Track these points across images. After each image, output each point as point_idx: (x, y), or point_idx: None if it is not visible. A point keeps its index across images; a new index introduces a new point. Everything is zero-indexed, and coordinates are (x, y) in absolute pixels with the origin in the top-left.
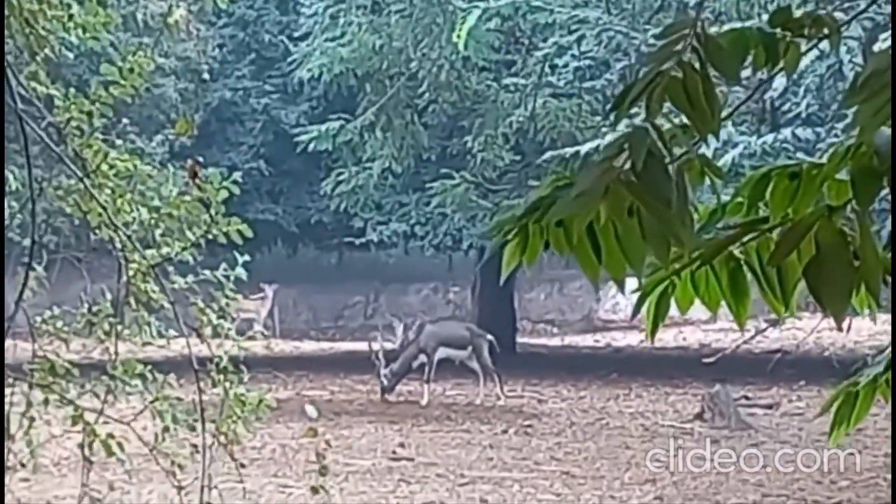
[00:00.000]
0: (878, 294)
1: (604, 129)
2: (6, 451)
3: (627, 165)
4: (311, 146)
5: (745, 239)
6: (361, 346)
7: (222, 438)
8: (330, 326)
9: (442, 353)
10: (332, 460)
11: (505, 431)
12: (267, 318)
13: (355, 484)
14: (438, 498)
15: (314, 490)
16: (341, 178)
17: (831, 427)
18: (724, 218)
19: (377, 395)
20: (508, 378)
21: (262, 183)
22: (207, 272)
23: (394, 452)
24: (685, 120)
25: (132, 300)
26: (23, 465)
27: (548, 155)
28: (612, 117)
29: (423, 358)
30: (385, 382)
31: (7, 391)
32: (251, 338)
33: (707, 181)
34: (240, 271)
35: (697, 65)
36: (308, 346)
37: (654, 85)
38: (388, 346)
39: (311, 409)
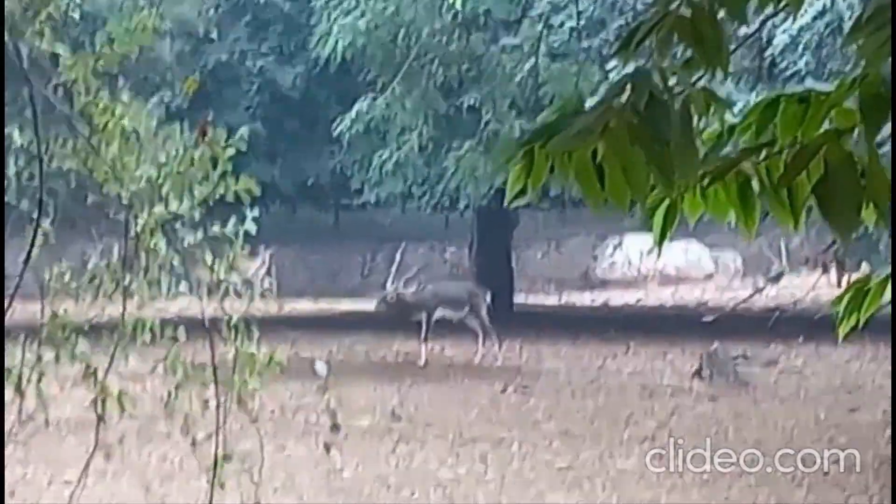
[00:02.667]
0: (886, 211)
1: (601, 89)
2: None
3: (629, 106)
4: (348, 133)
5: (756, 159)
6: (358, 305)
7: (235, 395)
8: (328, 286)
9: (440, 312)
10: (326, 421)
11: (503, 390)
12: (265, 279)
13: (354, 444)
14: (437, 457)
15: (326, 447)
16: (384, 156)
17: (839, 320)
18: (731, 140)
19: (375, 355)
20: (506, 337)
21: (259, 144)
22: (216, 228)
23: (392, 412)
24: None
25: (142, 256)
26: (31, 419)
27: (545, 113)
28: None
29: (421, 316)
30: (386, 296)
31: (17, 351)
32: (262, 295)
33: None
34: (250, 226)
35: (706, 7)
36: (305, 306)
37: (661, 24)
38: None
39: (320, 366)
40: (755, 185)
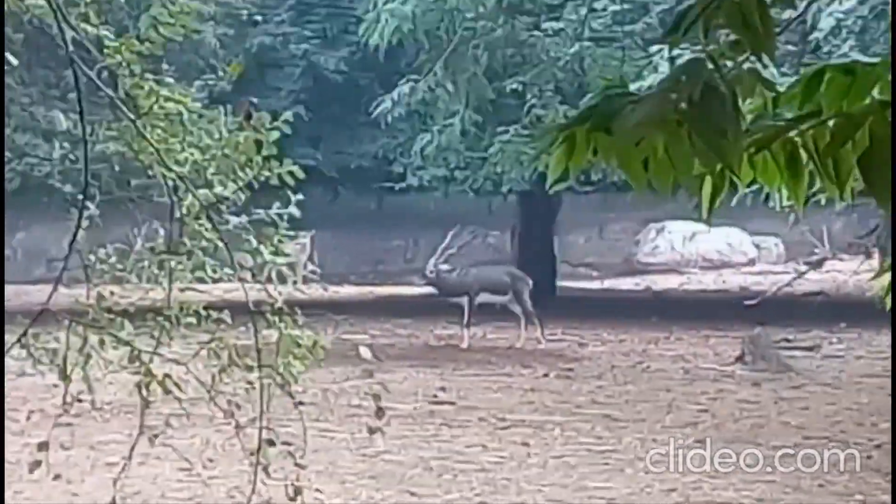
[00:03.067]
0: None
1: (645, 73)
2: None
3: (685, 96)
4: (389, 115)
5: (802, 127)
6: (401, 290)
7: (278, 379)
8: (369, 271)
9: (482, 297)
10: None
11: (545, 375)
12: (307, 263)
13: (397, 428)
14: (480, 441)
15: (371, 430)
16: (427, 141)
17: (882, 299)
18: (775, 110)
19: (417, 339)
20: (549, 322)
21: (302, 128)
22: (261, 211)
23: (435, 396)
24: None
25: (186, 239)
26: (79, 400)
27: (588, 98)
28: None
29: (463, 300)
30: (428, 274)
31: (61, 335)
32: (305, 279)
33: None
34: (294, 210)
35: None
36: (348, 290)
37: (709, 9)
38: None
39: (365, 351)
40: (803, 154)
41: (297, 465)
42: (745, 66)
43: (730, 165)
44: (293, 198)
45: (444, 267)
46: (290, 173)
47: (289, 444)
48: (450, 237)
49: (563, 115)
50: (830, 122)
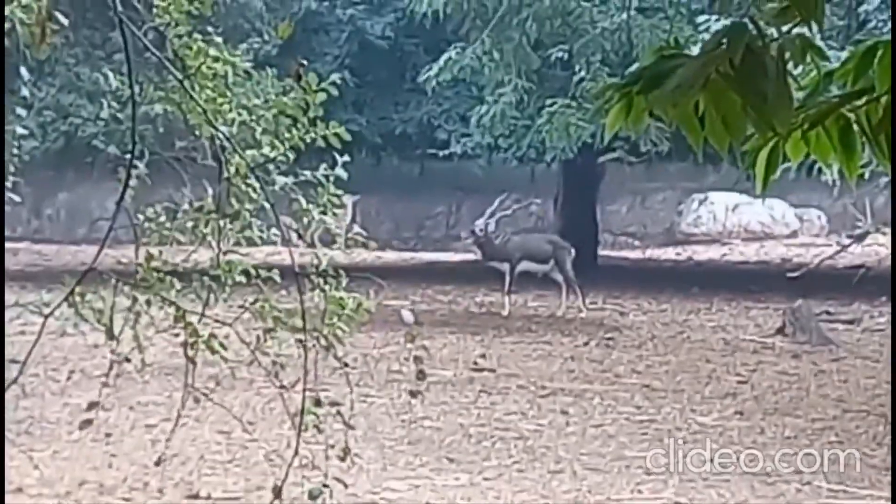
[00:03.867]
0: None
1: (692, 44)
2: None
3: (727, 59)
4: (434, 81)
5: (856, 103)
6: (442, 256)
7: (322, 342)
8: (411, 237)
9: (524, 265)
10: (413, 371)
11: (586, 344)
12: (350, 226)
13: (436, 394)
14: (519, 409)
15: (412, 394)
16: (482, 110)
17: None
18: (829, 86)
19: (459, 306)
20: (590, 290)
21: (347, 93)
22: (307, 173)
23: (475, 363)
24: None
25: (233, 201)
26: (128, 360)
27: (634, 67)
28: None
29: (504, 267)
30: (476, 231)
31: (109, 294)
32: (348, 243)
33: None
34: (340, 172)
35: None
36: (390, 256)
37: None
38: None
39: (407, 315)
40: (856, 129)
41: (345, 424)
42: (794, 31)
43: (773, 129)
44: (339, 160)
45: (492, 228)
46: (336, 135)
47: (336, 403)
48: (497, 202)
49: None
50: (883, 99)
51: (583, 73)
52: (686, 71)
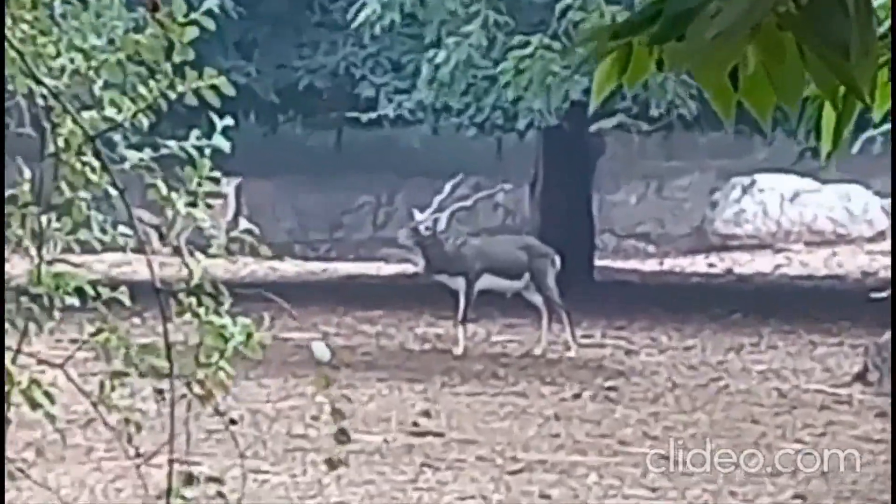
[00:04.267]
0: None
1: None
2: None
3: None
4: (377, 26)
5: None
6: (368, 267)
7: (198, 388)
8: (322, 239)
9: (486, 281)
10: (327, 433)
11: (577, 396)
12: (232, 223)
13: (359, 469)
14: (479, 490)
15: (330, 464)
16: (414, 52)
17: None
18: None
19: (391, 340)
20: (583, 318)
21: (228, 30)
22: (172, 144)
23: (415, 424)
24: None
25: (63, 186)
26: None
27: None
28: None
29: (458, 284)
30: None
31: None
32: (213, 255)
33: None
34: (220, 141)
35: None
36: (291, 268)
37: None
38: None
39: (320, 348)
40: None
41: None
42: None
43: (855, 89)
44: (219, 123)
45: (442, 226)
46: (214, 88)
47: (216, 480)
48: (450, 187)
49: (611, 18)
50: None
51: (569, 1)
52: (734, 9)
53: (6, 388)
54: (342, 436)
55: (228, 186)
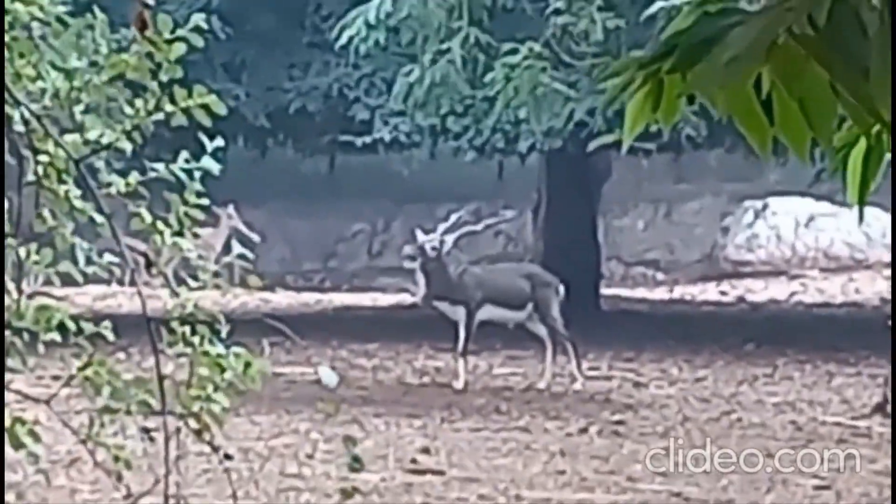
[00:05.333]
0: None
1: None
2: None
3: (805, 14)
4: (362, 45)
5: None
6: (363, 298)
7: (192, 422)
8: (317, 269)
9: (488, 312)
10: (323, 472)
11: (584, 431)
12: (221, 255)
13: None
14: None
15: (345, 493)
16: (409, 72)
17: None
18: None
19: (388, 374)
20: (589, 349)
21: (216, 51)
22: (159, 167)
23: (414, 462)
24: None
25: (45, 214)
26: None
27: (657, 6)
28: None
29: (458, 314)
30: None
31: None
32: (200, 286)
33: None
34: (209, 163)
35: None
36: (283, 299)
37: None
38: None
39: (327, 374)
40: None
41: None
42: None
43: (877, 115)
44: (209, 144)
45: (448, 247)
46: (204, 107)
47: None
48: (455, 217)
49: (602, 26)
50: None
51: (559, 6)
52: (744, 33)
53: None
54: (356, 463)
55: (224, 213)
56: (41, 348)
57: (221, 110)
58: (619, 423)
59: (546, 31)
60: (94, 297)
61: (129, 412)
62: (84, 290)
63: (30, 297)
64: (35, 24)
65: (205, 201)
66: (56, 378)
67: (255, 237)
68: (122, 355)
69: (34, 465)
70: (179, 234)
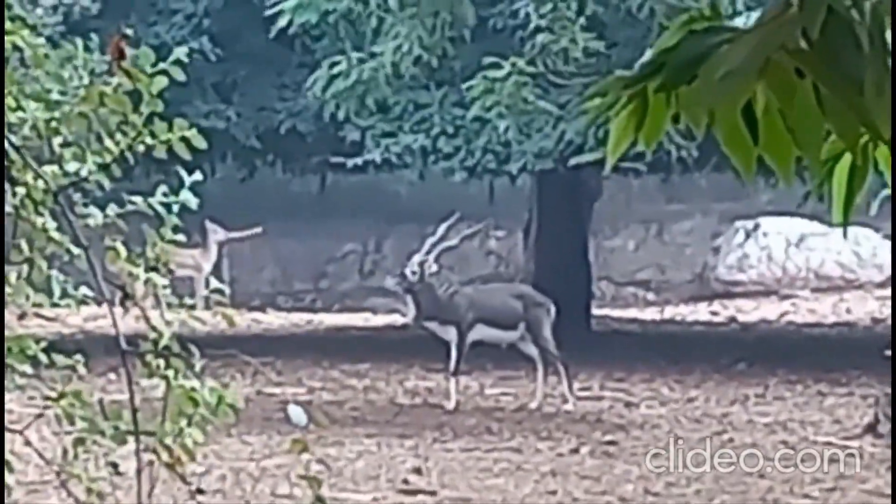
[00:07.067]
0: None
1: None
2: None
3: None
4: (288, 21)
5: None
6: (354, 319)
7: (165, 455)
8: (307, 289)
9: (479, 332)
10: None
11: (575, 451)
12: (209, 276)
13: None
14: None
15: None
16: (338, 69)
17: None
18: None
19: (380, 395)
20: (580, 369)
21: (207, 72)
22: (138, 200)
23: (405, 482)
24: None
25: (22, 242)
26: None
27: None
28: None
29: (449, 334)
30: (408, 273)
31: None
32: (190, 307)
33: None
34: (187, 197)
35: None
36: (275, 320)
37: None
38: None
39: (296, 412)
40: None
41: None
42: None
43: (870, 125)
44: (187, 178)
45: (433, 269)
46: (185, 140)
47: None
48: (444, 228)
49: (582, 44)
50: None
51: (539, 23)
52: (737, 49)
53: None
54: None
55: (213, 235)
56: (17, 379)
57: (202, 144)
58: (611, 443)
59: (527, 49)
60: (85, 317)
61: (98, 444)
62: (74, 312)
63: (20, 317)
64: (15, 55)
65: (181, 237)
66: (31, 398)
67: (258, 229)
68: (112, 375)
69: (8, 496)
70: (154, 269)
